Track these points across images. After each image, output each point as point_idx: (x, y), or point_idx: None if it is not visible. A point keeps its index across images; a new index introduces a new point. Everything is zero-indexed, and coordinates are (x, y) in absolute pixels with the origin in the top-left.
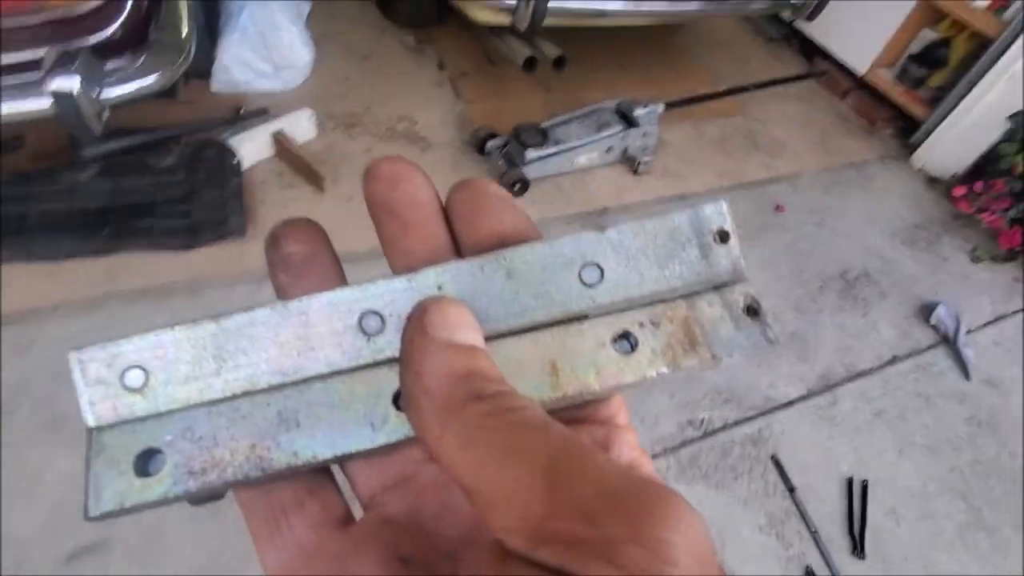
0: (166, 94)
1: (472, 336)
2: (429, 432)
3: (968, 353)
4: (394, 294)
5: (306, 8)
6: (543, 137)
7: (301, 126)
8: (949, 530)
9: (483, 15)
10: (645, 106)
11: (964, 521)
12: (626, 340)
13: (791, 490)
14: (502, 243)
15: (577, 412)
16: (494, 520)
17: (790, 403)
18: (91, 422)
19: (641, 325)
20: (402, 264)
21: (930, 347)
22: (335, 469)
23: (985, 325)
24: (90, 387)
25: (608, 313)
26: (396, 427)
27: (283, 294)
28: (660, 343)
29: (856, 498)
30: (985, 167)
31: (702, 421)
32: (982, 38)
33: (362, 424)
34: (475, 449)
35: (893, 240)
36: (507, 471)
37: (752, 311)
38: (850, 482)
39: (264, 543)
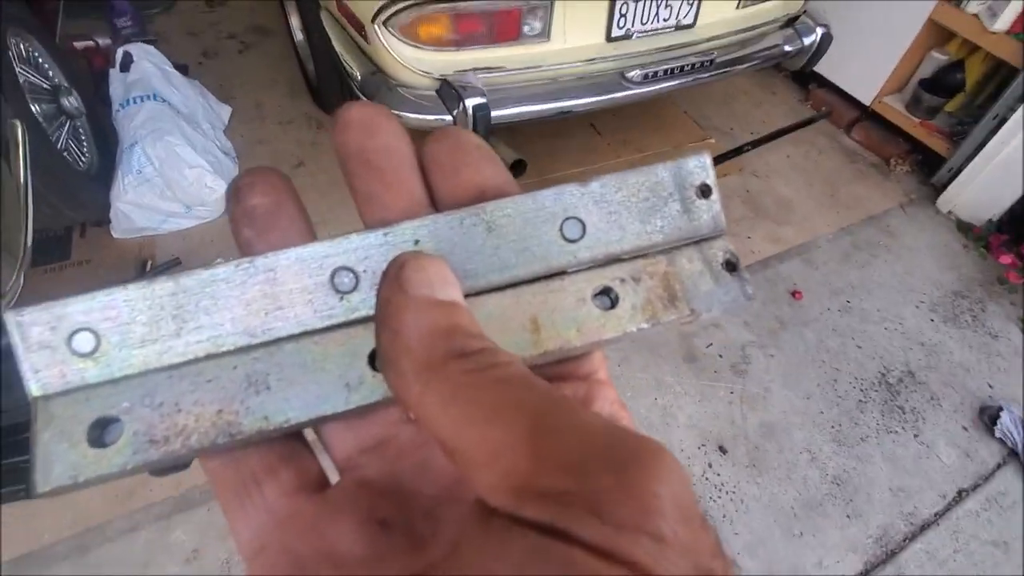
0: (57, 256)
1: (452, 292)
2: (409, 391)
3: None
4: (368, 249)
5: (226, 114)
6: None
7: None
8: None
9: (415, 125)
10: None
11: None
12: (607, 296)
13: None
14: (481, 196)
15: (558, 368)
16: (478, 479)
17: None
18: (36, 391)
19: (622, 281)
20: (377, 218)
21: (998, 467)
22: (308, 433)
23: None
24: (32, 352)
25: (589, 268)
26: (372, 388)
27: (248, 250)
28: (640, 299)
29: None
30: None
31: None
32: (997, 57)
33: (336, 386)
34: (457, 407)
35: (933, 318)
36: (491, 428)
37: (731, 266)
38: None
39: (235, 513)
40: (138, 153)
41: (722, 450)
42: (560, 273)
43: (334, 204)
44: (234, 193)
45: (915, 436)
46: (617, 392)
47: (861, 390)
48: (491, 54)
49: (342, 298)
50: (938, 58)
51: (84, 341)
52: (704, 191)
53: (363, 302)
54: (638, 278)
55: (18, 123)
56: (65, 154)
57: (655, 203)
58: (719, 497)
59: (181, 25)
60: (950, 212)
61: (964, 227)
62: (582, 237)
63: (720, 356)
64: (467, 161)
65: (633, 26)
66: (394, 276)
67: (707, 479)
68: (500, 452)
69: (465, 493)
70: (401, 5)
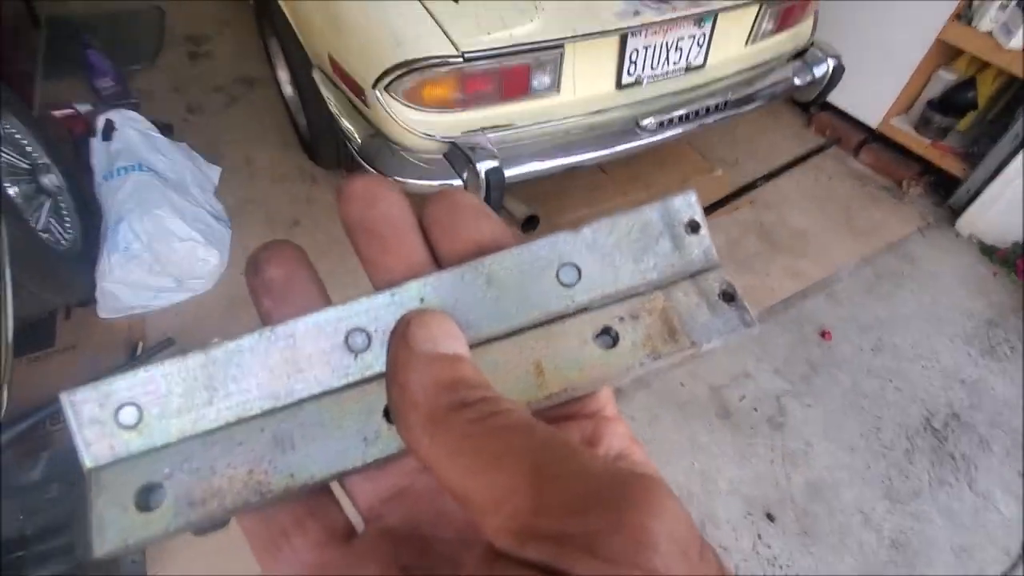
0: (41, 343)
1: (456, 345)
2: (418, 443)
3: None
4: (378, 310)
5: (215, 174)
6: None
7: None
8: None
9: (420, 191)
10: None
11: None
12: (607, 335)
13: None
14: (480, 251)
15: (566, 409)
16: (484, 523)
17: None
18: (88, 463)
19: (621, 319)
20: (383, 280)
21: None
22: (335, 485)
23: None
24: (84, 428)
25: (588, 310)
26: (389, 441)
27: (268, 319)
28: (640, 335)
29: None
30: None
31: None
32: (1011, 74)
33: (356, 441)
34: (463, 456)
35: (970, 351)
36: (494, 475)
37: (728, 296)
38: None
39: (268, 566)
40: (124, 229)
41: (770, 517)
42: (560, 317)
43: (334, 263)
44: (252, 266)
45: (969, 487)
46: (629, 427)
47: (907, 438)
48: (500, 111)
49: (356, 357)
50: (946, 77)
51: (129, 415)
52: (693, 227)
53: (376, 360)
54: (636, 315)
55: None
56: (45, 235)
57: (646, 242)
58: (774, 573)
59: (165, 81)
60: (971, 235)
61: (988, 250)
62: (578, 281)
63: (755, 409)
64: (464, 219)
65: (643, 72)
66: (400, 334)
67: (758, 552)
68: (504, 497)
69: (480, 538)
70: (404, 70)
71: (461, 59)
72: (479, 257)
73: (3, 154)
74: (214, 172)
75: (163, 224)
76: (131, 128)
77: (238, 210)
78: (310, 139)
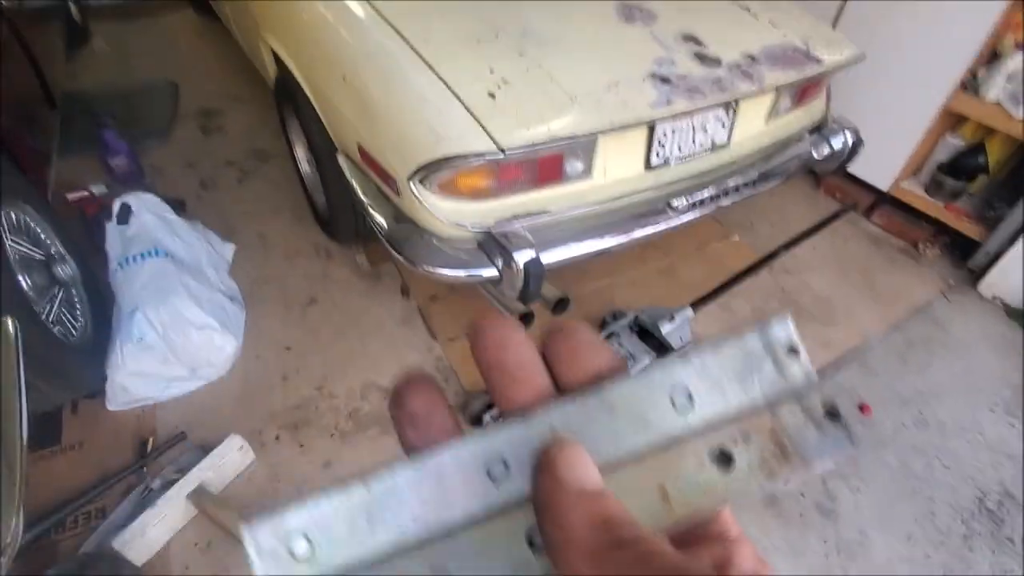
0: (46, 441)
1: (596, 477)
2: None
3: None
4: (513, 438)
5: (229, 252)
6: None
7: (231, 460)
8: None
9: (452, 281)
10: (672, 319)
11: None
12: (723, 457)
13: None
14: (598, 379)
15: (691, 531)
16: None
17: None
18: None
19: (735, 441)
20: (513, 407)
21: None
22: None
23: None
24: (263, 560)
25: (702, 433)
26: (536, 569)
27: (411, 449)
28: (755, 456)
29: None
30: None
31: None
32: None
33: (505, 569)
34: None
35: (1012, 422)
36: None
37: (832, 415)
38: None
39: None
40: (139, 319)
41: None
42: (676, 441)
43: (353, 342)
44: (396, 400)
45: None
46: (755, 547)
47: (962, 522)
48: (533, 197)
49: (498, 485)
50: (954, 142)
51: (301, 546)
52: (792, 349)
53: (516, 487)
54: (748, 437)
55: (9, 320)
56: (56, 328)
57: (750, 366)
58: None
59: (177, 156)
60: (995, 297)
61: (1015, 313)
62: (691, 405)
63: (802, 495)
64: (581, 351)
65: (671, 153)
66: (548, 470)
67: None
68: None
69: None
70: (442, 164)
71: (502, 155)
72: (598, 384)
73: (18, 246)
74: (228, 250)
75: (180, 312)
76: (147, 211)
77: (252, 289)
78: (328, 216)
